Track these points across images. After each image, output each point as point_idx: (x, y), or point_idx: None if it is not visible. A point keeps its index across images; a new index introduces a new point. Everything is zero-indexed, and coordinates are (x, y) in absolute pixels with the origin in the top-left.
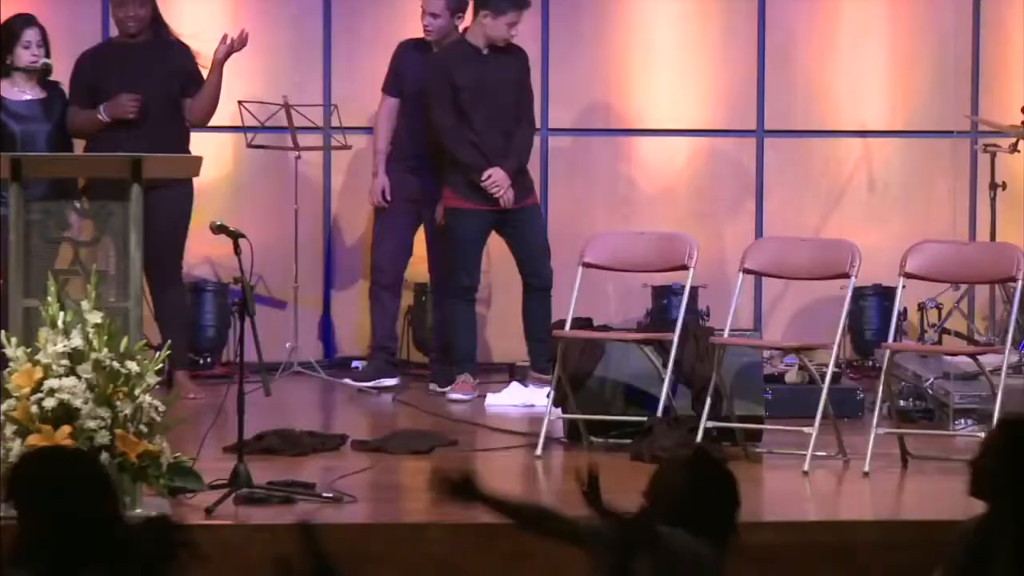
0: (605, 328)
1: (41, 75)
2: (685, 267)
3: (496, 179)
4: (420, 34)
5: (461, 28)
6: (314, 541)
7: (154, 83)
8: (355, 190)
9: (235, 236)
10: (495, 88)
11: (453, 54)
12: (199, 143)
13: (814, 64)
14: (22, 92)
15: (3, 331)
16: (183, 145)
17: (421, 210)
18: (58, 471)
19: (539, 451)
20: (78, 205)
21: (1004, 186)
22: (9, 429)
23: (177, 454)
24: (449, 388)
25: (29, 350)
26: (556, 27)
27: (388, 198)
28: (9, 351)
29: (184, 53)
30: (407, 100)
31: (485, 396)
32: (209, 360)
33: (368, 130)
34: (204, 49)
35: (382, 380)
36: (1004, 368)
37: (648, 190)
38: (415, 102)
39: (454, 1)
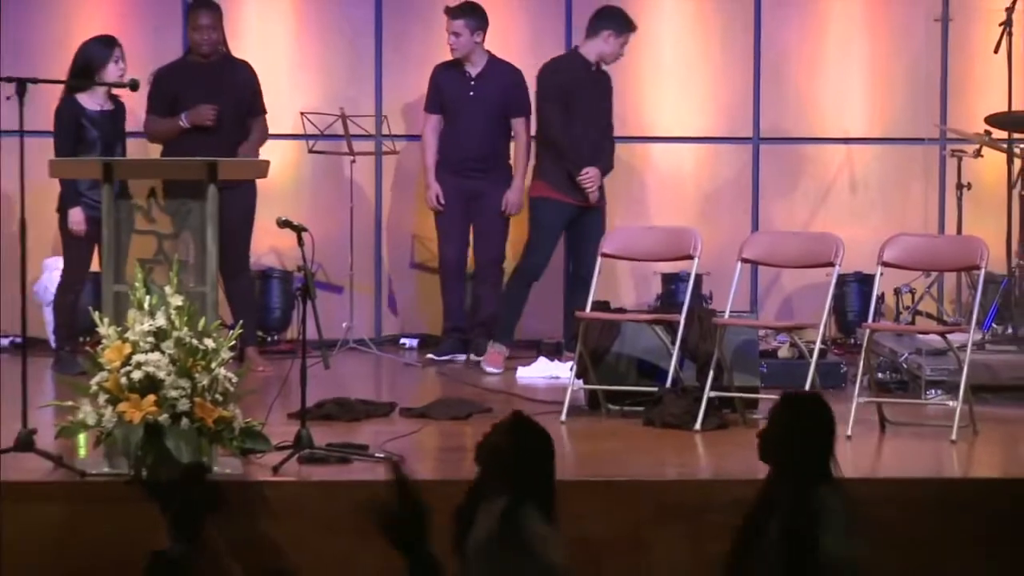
0: (621, 310)
1: (130, 88)
2: (690, 257)
3: (592, 176)
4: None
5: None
6: (405, 484)
7: (227, 97)
8: (402, 189)
9: (298, 230)
10: (596, 99)
11: (571, 64)
12: (267, 149)
13: (803, 79)
14: (99, 104)
15: (97, 312)
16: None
17: (470, 206)
18: None
19: (563, 417)
20: (160, 203)
21: (969, 186)
22: (102, 398)
23: (248, 420)
24: (483, 358)
25: (119, 329)
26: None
27: (442, 202)
28: (102, 329)
29: (250, 74)
30: (447, 114)
31: (516, 369)
32: (275, 338)
33: (413, 137)
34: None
35: (456, 356)
36: (969, 345)
37: (658, 190)
38: (454, 114)
39: (473, 21)
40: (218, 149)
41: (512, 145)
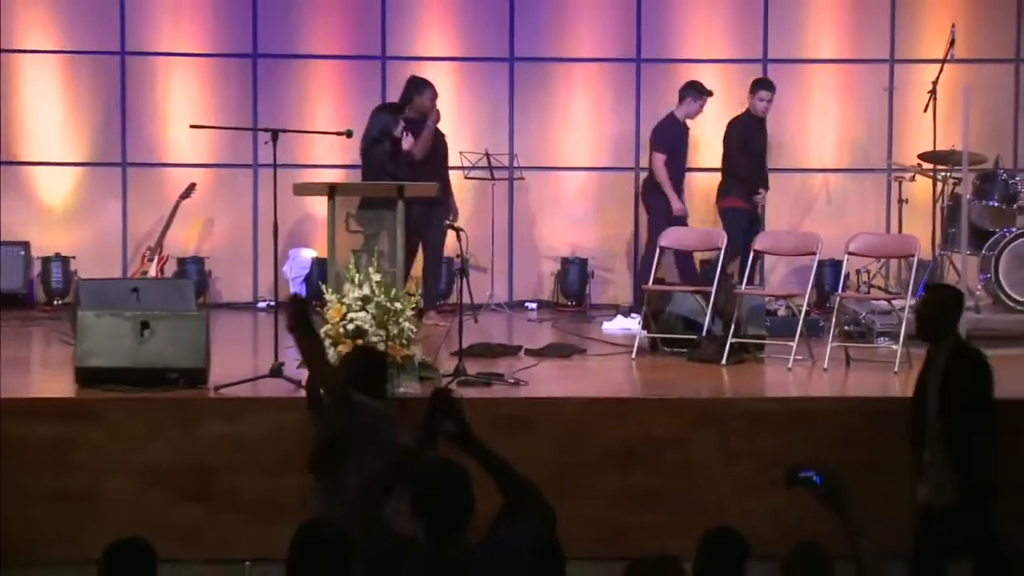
0: (673, 283)
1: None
2: (718, 248)
3: (763, 195)
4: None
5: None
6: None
7: (441, 147)
8: (524, 204)
9: (458, 230)
10: (761, 143)
11: (753, 121)
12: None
13: (794, 125)
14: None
15: (324, 285)
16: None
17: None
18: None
19: (633, 356)
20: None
21: (907, 201)
22: (327, 342)
23: (424, 357)
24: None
25: (339, 296)
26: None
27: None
28: (328, 296)
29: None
30: (671, 154)
31: (602, 323)
32: (442, 303)
33: (537, 168)
34: None
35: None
36: (907, 307)
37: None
38: (672, 154)
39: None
40: (428, 177)
41: None
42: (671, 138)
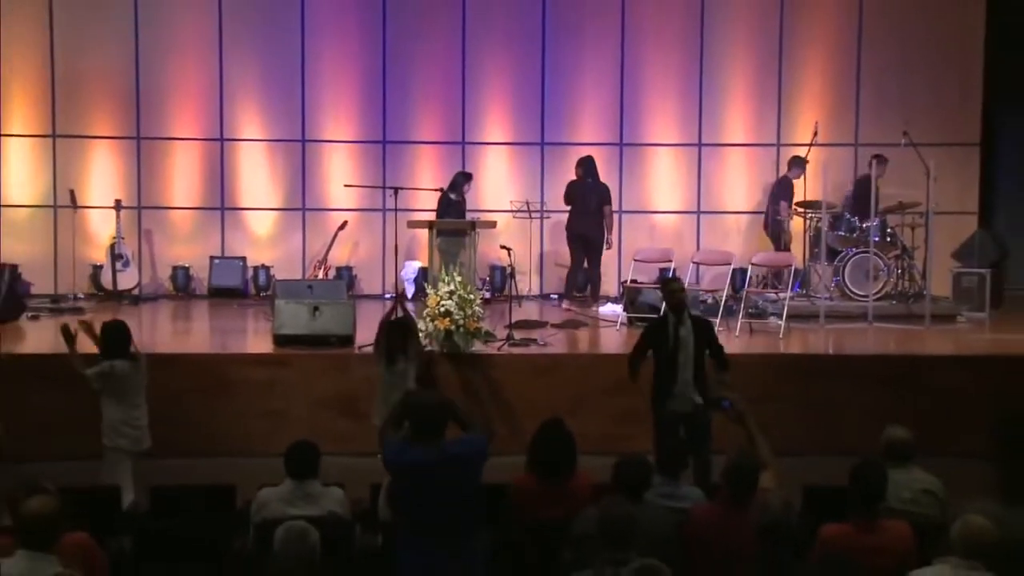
0: (643, 283)
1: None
2: (670, 260)
3: None
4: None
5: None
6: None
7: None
8: (549, 233)
9: (508, 249)
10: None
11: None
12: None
13: (719, 184)
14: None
15: (427, 284)
16: None
17: None
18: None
19: (617, 327)
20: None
21: (791, 237)
22: (428, 318)
23: (487, 329)
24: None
25: (435, 290)
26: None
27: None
28: (428, 290)
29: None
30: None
31: (598, 308)
32: (499, 294)
33: (558, 211)
34: None
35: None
36: (787, 298)
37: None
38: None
39: None
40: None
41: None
42: (785, 189)
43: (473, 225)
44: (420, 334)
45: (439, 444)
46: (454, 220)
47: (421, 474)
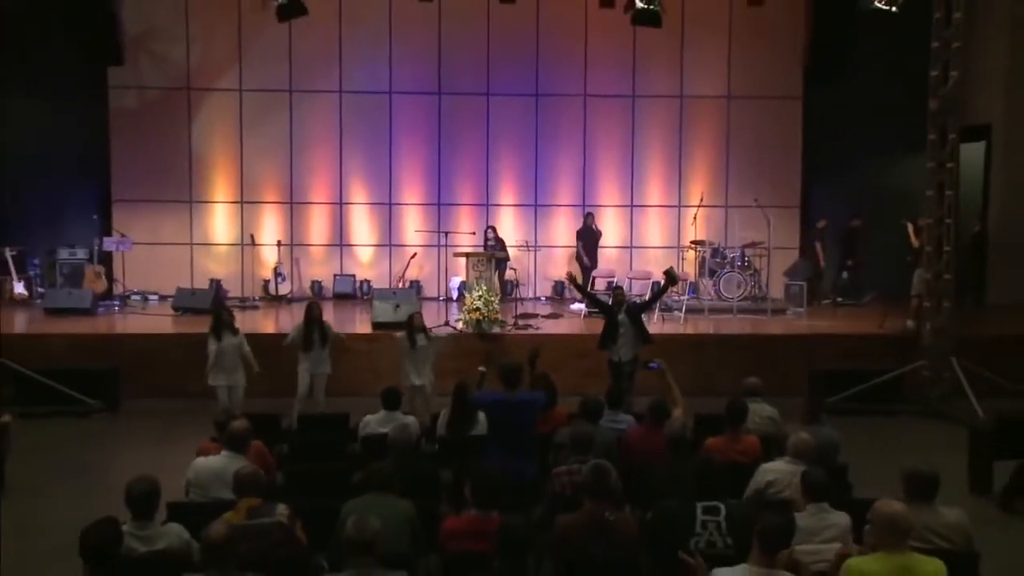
0: (596, 290)
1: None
2: (615, 276)
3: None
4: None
5: None
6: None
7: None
8: (545, 259)
9: (512, 269)
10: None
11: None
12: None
13: (640, 235)
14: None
15: (464, 291)
16: None
17: None
18: None
19: (583, 317)
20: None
21: (685, 258)
22: (466, 311)
23: (503, 318)
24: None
25: (470, 295)
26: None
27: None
28: (466, 294)
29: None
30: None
31: (571, 305)
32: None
33: (547, 246)
34: None
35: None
36: (685, 299)
37: (610, 263)
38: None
39: None
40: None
41: None
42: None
43: (492, 256)
44: (457, 322)
45: (515, 391)
46: (481, 252)
47: (502, 406)
